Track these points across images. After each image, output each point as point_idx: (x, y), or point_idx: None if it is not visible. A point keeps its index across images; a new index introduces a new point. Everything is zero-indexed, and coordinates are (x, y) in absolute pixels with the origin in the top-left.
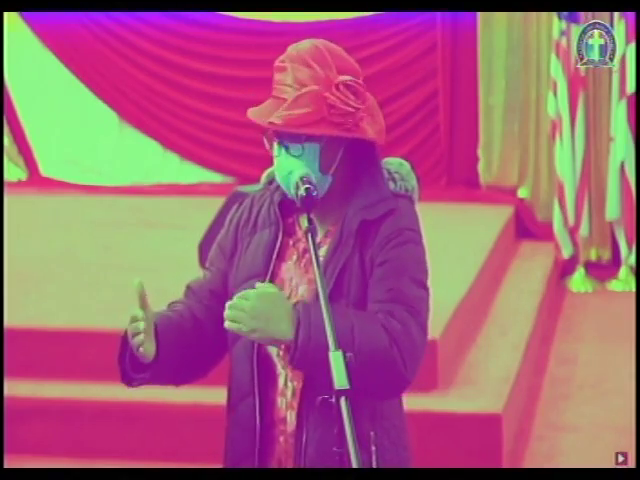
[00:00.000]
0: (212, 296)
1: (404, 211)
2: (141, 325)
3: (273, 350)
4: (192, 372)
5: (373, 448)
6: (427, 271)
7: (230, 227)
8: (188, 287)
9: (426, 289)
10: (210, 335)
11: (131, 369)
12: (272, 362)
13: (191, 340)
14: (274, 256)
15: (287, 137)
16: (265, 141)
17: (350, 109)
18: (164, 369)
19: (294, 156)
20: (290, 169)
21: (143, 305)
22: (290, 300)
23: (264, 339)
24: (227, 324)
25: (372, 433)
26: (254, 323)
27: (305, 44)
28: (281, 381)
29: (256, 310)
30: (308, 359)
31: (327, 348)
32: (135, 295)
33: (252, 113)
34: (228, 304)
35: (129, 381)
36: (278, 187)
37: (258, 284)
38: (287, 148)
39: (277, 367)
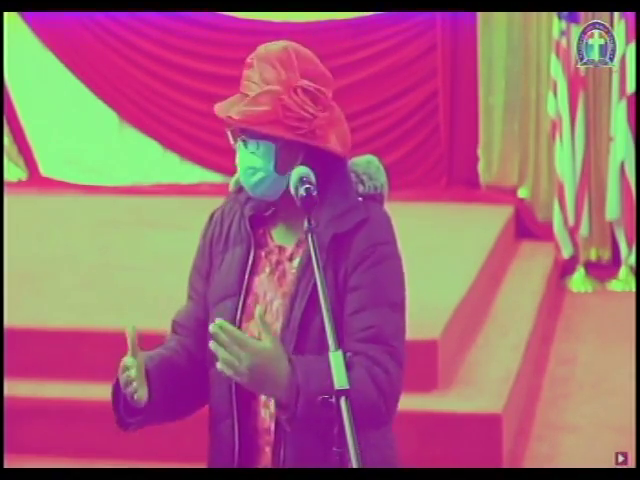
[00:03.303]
0: (200, 325)
1: (376, 220)
2: (133, 373)
3: None
4: (190, 406)
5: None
6: (404, 285)
7: (205, 246)
8: (174, 322)
9: (403, 309)
10: (205, 365)
11: (126, 414)
12: None
13: (185, 375)
14: (246, 274)
15: (246, 133)
16: (229, 135)
17: (305, 114)
18: (160, 409)
19: (251, 152)
20: (247, 164)
21: (134, 352)
22: (266, 316)
23: (257, 391)
24: (220, 366)
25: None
26: (249, 376)
27: (275, 45)
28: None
29: (253, 365)
30: (304, 422)
31: (324, 408)
32: (128, 340)
33: (217, 106)
34: (224, 342)
35: (126, 426)
36: (248, 199)
37: (261, 342)
38: (245, 143)
39: None
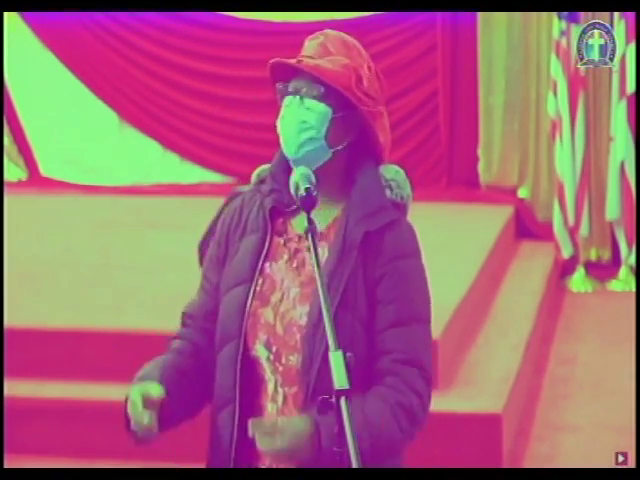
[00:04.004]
0: (209, 317)
1: (406, 227)
2: (145, 421)
3: (263, 354)
4: (199, 404)
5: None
6: (429, 296)
7: (222, 234)
8: (183, 314)
9: (430, 323)
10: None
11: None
12: (260, 367)
13: (194, 378)
14: (260, 261)
15: (306, 89)
16: (279, 89)
17: (374, 93)
18: (175, 417)
19: (307, 108)
20: (300, 118)
21: (147, 407)
22: (282, 305)
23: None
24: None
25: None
26: (280, 453)
27: (342, 33)
28: (271, 387)
29: (286, 446)
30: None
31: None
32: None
33: (278, 59)
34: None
35: (141, 441)
36: (271, 191)
37: (292, 423)
38: (302, 99)
39: (266, 372)
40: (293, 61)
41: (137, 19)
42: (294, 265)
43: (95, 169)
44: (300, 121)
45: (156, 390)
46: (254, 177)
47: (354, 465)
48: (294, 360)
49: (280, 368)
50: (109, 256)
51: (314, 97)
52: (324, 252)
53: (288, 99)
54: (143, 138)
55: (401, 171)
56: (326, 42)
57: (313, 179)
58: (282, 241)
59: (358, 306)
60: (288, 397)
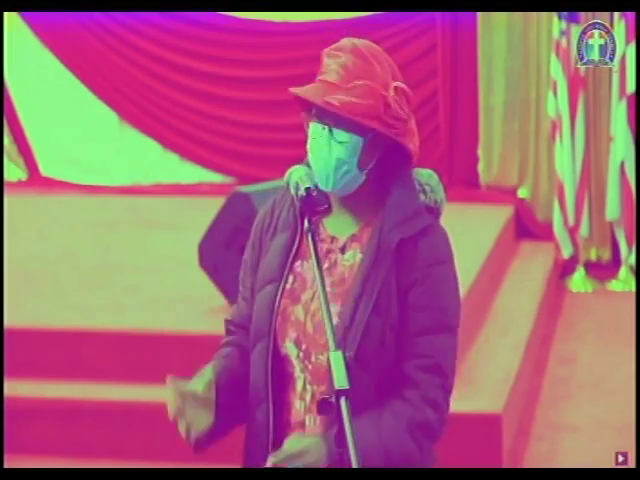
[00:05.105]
0: (249, 322)
1: (440, 234)
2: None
3: (292, 352)
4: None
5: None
6: (460, 303)
7: (255, 237)
8: (226, 322)
9: (457, 331)
10: None
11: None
12: (290, 365)
13: (246, 378)
14: (290, 258)
15: (333, 121)
16: (307, 119)
17: (403, 114)
18: (233, 417)
19: (338, 142)
20: (335, 156)
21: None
22: (313, 304)
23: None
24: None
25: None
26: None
27: (363, 40)
28: (299, 384)
29: (311, 462)
30: None
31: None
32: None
33: (301, 91)
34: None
35: (198, 444)
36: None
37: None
38: (331, 131)
39: (295, 370)
40: (320, 100)
41: (137, 19)
42: (325, 266)
43: (95, 169)
44: (334, 158)
45: (202, 383)
46: (286, 177)
47: (354, 465)
48: (323, 359)
49: (309, 366)
50: (109, 256)
51: (342, 128)
52: (356, 255)
53: (316, 130)
54: (143, 138)
55: (434, 175)
56: (347, 62)
57: (314, 179)
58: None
59: (390, 313)
60: (316, 395)
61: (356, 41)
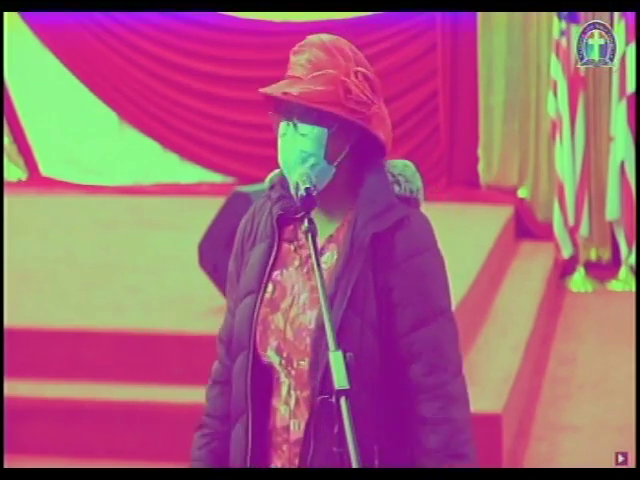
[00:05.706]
0: None
1: (416, 223)
2: None
3: (275, 360)
4: None
5: (375, 448)
6: (449, 286)
7: (237, 247)
8: (217, 337)
9: (450, 310)
10: None
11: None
12: (275, 371)
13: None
14: (268, 269)
15: (297, 114)
16: (274, 119)
17: (365, 98)
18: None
19: (302, 134)
20: (298, 148)
21: None
22: (292, 310)
23: None
24: None
25: (375, 447)
26: None
27: (328, 35)
28: (284, 389)
29: None
30: None
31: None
32: None
33: (267, 88)
34: None
35: None
36: (279, 198)
37: None
38: (295, 126)
39: (280, 375)
40: (278, 92)
41: (137, 19)
42: (304, 270)
43: (95, 169)
44: (299, 151)
45: None
46: (266, 182)
47: (354, 465)
48: (305, 364)
49: (292, 372)
50: (109, 256)
51: (306, 122)
52: (333, 255)
53: (283, 127)
54: (143, 138)
55: (410, 165)
56: (310, 57)
57: (313, 179)
58: (293, 247)
59: (367, 310)
60: (300, 400)
61: (323, 36)
